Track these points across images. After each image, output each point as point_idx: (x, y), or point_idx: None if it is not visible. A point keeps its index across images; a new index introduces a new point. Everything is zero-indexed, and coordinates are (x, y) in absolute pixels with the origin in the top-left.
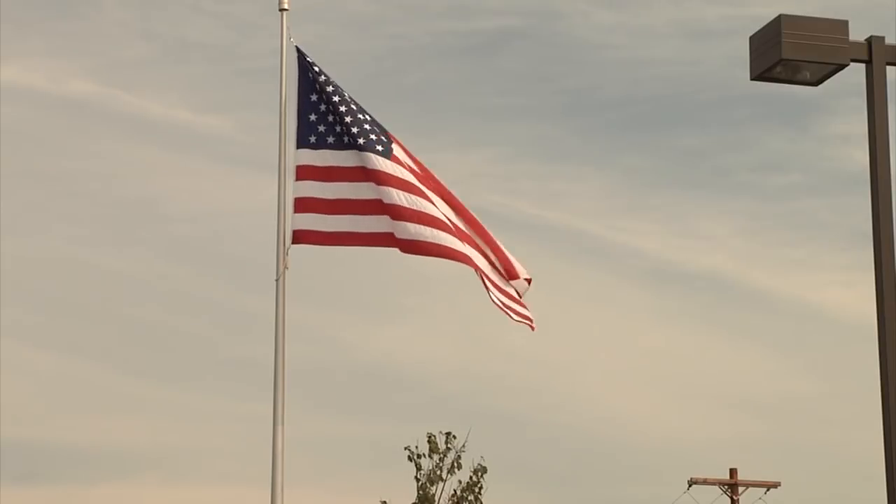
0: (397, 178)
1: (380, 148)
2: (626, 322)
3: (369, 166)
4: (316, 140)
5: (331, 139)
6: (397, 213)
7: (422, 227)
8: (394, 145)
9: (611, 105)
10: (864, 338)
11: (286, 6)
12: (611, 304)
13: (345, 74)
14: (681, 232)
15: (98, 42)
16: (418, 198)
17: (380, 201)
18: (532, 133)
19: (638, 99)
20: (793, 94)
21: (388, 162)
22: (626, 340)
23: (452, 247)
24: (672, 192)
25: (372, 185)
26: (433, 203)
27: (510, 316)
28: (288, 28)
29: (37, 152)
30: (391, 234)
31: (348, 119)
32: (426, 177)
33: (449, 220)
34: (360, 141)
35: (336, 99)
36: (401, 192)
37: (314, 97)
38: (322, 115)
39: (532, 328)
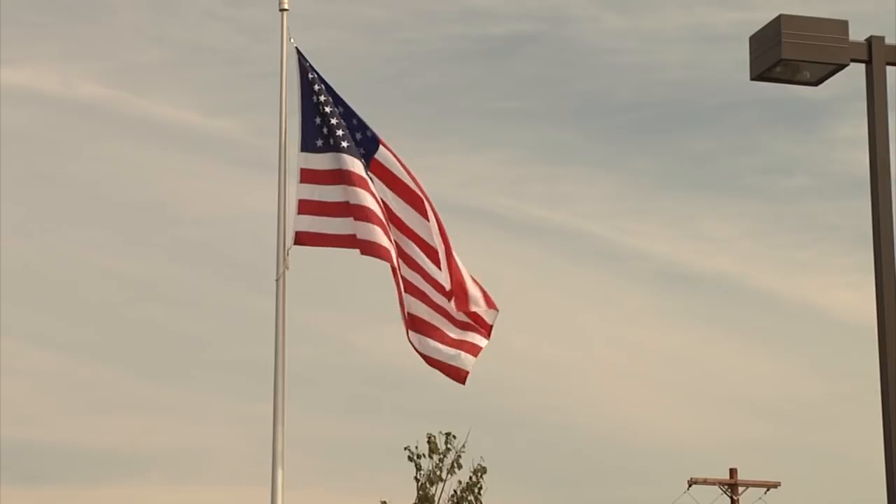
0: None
1: (363, 150)
2: (632, 323)
3: (351, 169)
4: (322, 144)
5: (331, 141)
6: (363, 214)
7: (375, 227)
8: (380, 150)
9: (620, 109)
10: (869, 340)
11: (286, 6)
12: (617, 306)
13: (355, 78)
14: (688, 234)
15: (110, 46)
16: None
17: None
18: (541, 136)
19: (647, 103)
20: (800, 98)
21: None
22: (631, 342)
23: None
24: (679, 194)
25: (351, 187)
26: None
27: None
28: (288, 29)
29: (47, 155)
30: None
31: (334, 121)
32: (406, 190)
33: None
34: (344, 144)
35: (329, 99)
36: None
37: (315, 99)
38: (324, 117)
39: (461, 379)
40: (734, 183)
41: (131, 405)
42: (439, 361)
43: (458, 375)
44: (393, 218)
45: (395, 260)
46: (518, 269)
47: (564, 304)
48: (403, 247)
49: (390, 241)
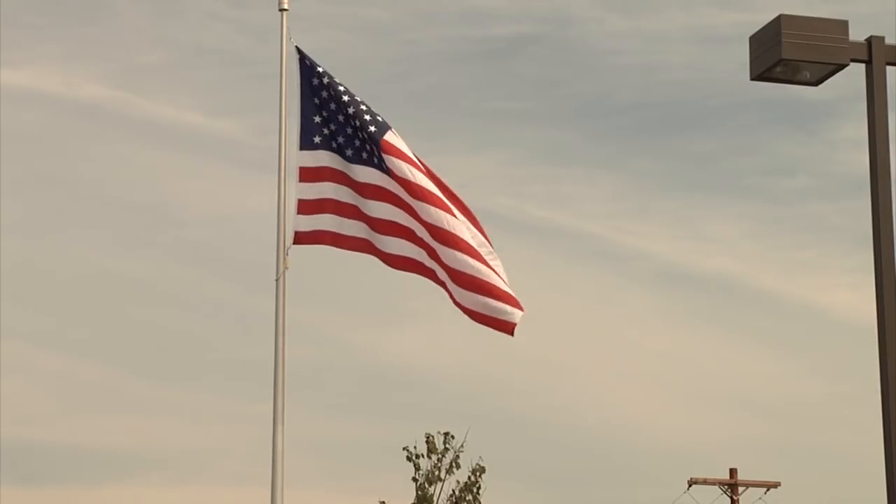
0: (390, 192)
1: (375, 160)
2: (632, 323)
3: (372, 181)
4: (320, 142)
5: (334, 144)
6: (384, 227)
7: (404, 241)
8: (388, 134)
9: (622, 110)
10: (869, 340)
11: (286, 6)
12: (618, 306)
13: (357, 79)
14: (689, 235)
15: (112, 47)
16: (404, 213)
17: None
18: (543, 137)
19: (648, 104)
20: (802, 99)
21: (383, 175)
22: (632, 342)
23: (425, 263)
24: (681, 195)
25: (369, 198)
26: (417, 217)
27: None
28: (288, 28)
29: (48, 156)
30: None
31: (355, 128)
32: (422, 175)
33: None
34: (361, 155)
35: (346, 99)
36: (392, 207)
37: (317, 100)
38: (326, 119)
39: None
40: (735, 184)
41: (131, 405)
42: (486, 316)
43: (507, 328)
44: (418, 192)
45: (424, 266)
46: (518, 269)
47: (564, 304)
48: (440, 221)
49: (427, 252)
